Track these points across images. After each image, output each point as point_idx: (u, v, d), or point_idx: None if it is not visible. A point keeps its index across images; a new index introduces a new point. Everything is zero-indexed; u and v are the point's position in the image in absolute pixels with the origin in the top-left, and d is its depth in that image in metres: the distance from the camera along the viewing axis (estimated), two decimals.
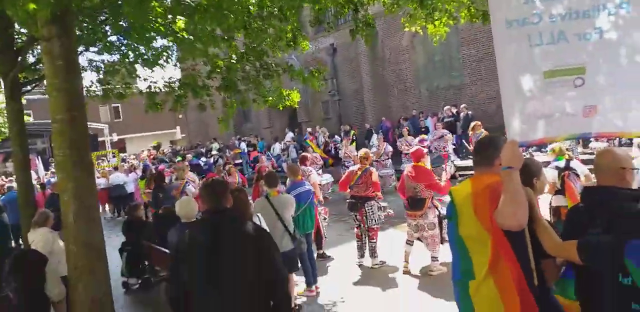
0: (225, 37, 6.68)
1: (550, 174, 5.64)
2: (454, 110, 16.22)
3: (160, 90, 8.20)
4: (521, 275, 2.42)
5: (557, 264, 2.55)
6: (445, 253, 6.34)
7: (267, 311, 2.91)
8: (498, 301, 2.44)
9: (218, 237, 2.84)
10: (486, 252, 2.47)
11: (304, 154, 11.10)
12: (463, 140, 14.65)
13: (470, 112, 15.63)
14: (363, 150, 7.20)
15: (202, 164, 17.72)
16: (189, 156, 20.07)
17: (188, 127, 32.61)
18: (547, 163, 5.90)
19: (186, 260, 2.89)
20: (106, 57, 8.34)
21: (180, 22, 5.76)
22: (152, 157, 25.17)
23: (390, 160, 13.02)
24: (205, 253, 2.80)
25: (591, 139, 10.20)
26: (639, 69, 2.32)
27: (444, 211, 6.44)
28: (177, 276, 2.92)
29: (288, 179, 7.02)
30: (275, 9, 6.55)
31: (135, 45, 6.93)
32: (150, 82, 7.90)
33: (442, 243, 6.27)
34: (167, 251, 6.00)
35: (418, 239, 6.45)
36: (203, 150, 23.29)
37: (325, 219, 7.73)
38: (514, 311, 2.41)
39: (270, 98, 7.91)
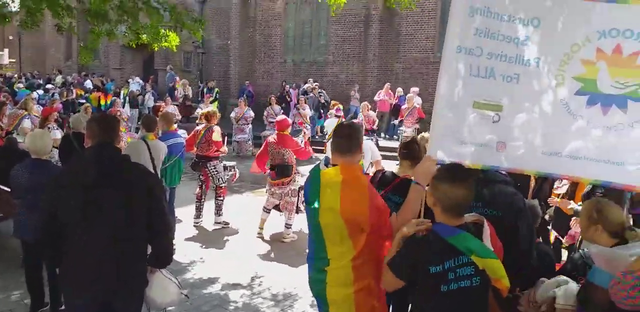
0: None
1: None
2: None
3: (13, 1, 7.09)
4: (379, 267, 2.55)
5: None
6: (298, 221, 6.63)
7: (142, 258, 2.88)
8: (350, 289, 2.58)
9: (107, 175, 2.70)
10: (342, 242, 2.56)
11: (156, 104, 10.60)
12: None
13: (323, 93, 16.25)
14: (206, 109, 7.10)
15: (35, 99, 15.46)
16: (20, 86, 17.55)
17: (20, 53, 28.56)
18: None
19: (67, 196, 2.69)
20: None
21: None
22: None
23: (250, 125, 12.87)
24: (89, 190, 2.65)
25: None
26: (541, 116, 2.67)
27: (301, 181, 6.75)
28: (52, 214, 2.73)
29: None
30: None
31: None
32: None
33: (297, 212, 6.54)
34: (2, 187, 5.35)
35: (274, 207, 6.62)
36: (40, 81, 20.49)
37: None
38: (366, 300, 2.62)
39: (145, 35, 7.31)
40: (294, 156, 6.47)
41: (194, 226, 6.90)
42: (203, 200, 6.94)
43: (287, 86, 16.86)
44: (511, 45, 2.63)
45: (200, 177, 6.87)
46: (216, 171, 6.73)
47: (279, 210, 6.60)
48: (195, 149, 6.77)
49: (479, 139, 2.70)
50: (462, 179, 2.29)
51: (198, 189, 6.95)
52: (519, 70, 2.64)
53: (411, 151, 3.32)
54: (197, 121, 12.90)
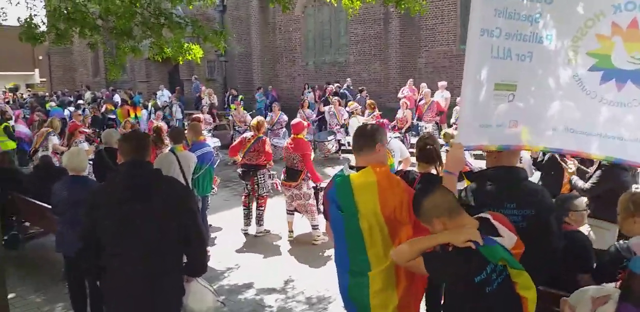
0: None
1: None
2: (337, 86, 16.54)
3: (44, 23, 7.37)
4: None
5: None
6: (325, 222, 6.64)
7: (179, 269, 2.93)
8: (394, 292, 2.59)
9: (140, 191, 2.76)
10: (384, 243, 2.54)
11: (196, 115, 10.79)
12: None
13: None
14: (257, 119, 7.10)
15: (67, 116, 15.81)
16: (52, 105, 18.12)
17: (50, 72, 29.47)
18: (441, 146, 6.31)
19: (103, 213, 2.77)
20: None
21: None
22: (6, 100, 22.38)
23: (284, 129, 12.78)
24: (121, 207, 2.72)
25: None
26: (554, 93, 2.65)
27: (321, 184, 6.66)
28: (90, 230, 2.81)
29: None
30: None
31: None
32: (33, 13, 7.05)
33: (319, 213, 6.53)
34: (44, 204, 5.57)
35: (295, 210, 6.67)
36: (71, 98, 21.13)
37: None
38: (408, 302, 2.63)
39: (169, 49, 7.50)
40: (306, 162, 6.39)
41: (243, 233, 6.92)
42: (251, 207, 6.93)
43: (329, 86, 16.58)
44: (526, 23, 2.60)
45: (247, 185, 6.87)
46: (263, 179, 6.77)
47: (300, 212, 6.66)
48: (239, 157, 6.79)
49: (496, 120, 2.68)
50: (434, 187, 2.35)
51: (244, 197, 6.94)
52: (532, 48, 2.62)
53: (426, 154, 3.56)
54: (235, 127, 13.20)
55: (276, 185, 7.14)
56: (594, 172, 4.64)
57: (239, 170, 6.88)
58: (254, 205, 6.89)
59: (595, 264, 3.24)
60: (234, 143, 6.99)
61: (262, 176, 6.74)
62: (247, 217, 6.98)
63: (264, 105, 17.84)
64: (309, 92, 17.42)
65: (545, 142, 2.73)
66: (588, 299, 2.46)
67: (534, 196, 2.70)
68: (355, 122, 10.96)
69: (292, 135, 6.55)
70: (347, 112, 12.58)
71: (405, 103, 12.08)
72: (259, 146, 6.62)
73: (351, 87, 16.75)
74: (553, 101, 2.66)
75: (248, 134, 6.86)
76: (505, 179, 2.75)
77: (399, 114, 11.94)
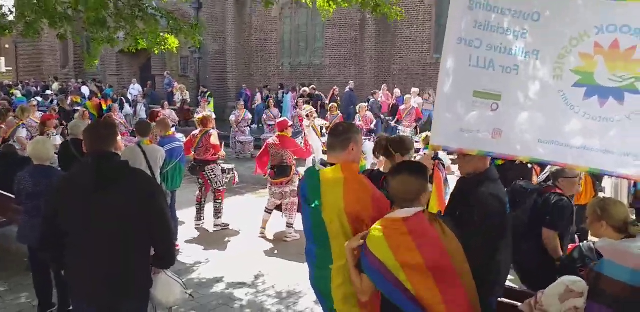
0: None
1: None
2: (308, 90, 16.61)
3: (11, 11, 7.18)
4: None
5: None
6: (299, 221, 6.65)
7: (146, 260, 2.88)
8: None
9: (105, 183, 2.67)
10: (345, 238, 2.57)
11: (153, 110, 10.69)
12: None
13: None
14: (202, 114, 7.09)
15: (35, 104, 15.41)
16: (17, 94, 17.58)
17: (17, 61, 28.62)
18: (417, 150, 6.25)
19: (66, 203, 2.71)
20: None
21: None
22: None
23: (249, 128, 13.08)
24: (90, 198, 2.64)
25: None
26: (539, 106, 2.77)
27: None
28: (51, 219, 2.75)
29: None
30: None
31: None
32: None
33: (298, 211, 6.60)
34: (6, 194, 5.41)
35: (276, 208, 6.67)
36: (36, 89, 20.52)
37: None
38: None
39: (144, 41, 7.41)
40: (294, 157, 6.54)
41: (196, 228, 6.95)
42: (203, 202, 6.99)
43: (336, 89, 16.28)
44: (510, 37, 2.73)
45: (199, 180, 6.93)
46: (214, 174, 6.78)
47: (281, 210, 6.65)
48: (192, 153, 6.80)
49: (476, 127, 2.81)
50: (417, 171, 2.42)
51: (198, 191, 7.01)
52: (518, 61, 2.74)
53: (384, 150, 3.66)
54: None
55: (234, 180, 7.16)
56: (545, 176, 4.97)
57: (190, 164, 6.89)
58: (207, 199, 6.93)
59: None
60: (185, 140, 6.96)
61: (211, 171, 6.76)
62: (199, 212, 7.01)
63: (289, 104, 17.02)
64: (286, 93, 17.38)
65: (531, 153, 2.82)
66: (562, 284, 2.53)
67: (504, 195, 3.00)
68: (305, 124, 11.02)
69: (277, 133, 6.59)
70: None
71: (364, 107, 12.23)
72: (206, 140, 6.66)
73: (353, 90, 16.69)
74: (539, 114, 2.77)
75: (196, 131, 6.90)
76: (491, 179, 2.95)
77: (357, 118, 12.01)
